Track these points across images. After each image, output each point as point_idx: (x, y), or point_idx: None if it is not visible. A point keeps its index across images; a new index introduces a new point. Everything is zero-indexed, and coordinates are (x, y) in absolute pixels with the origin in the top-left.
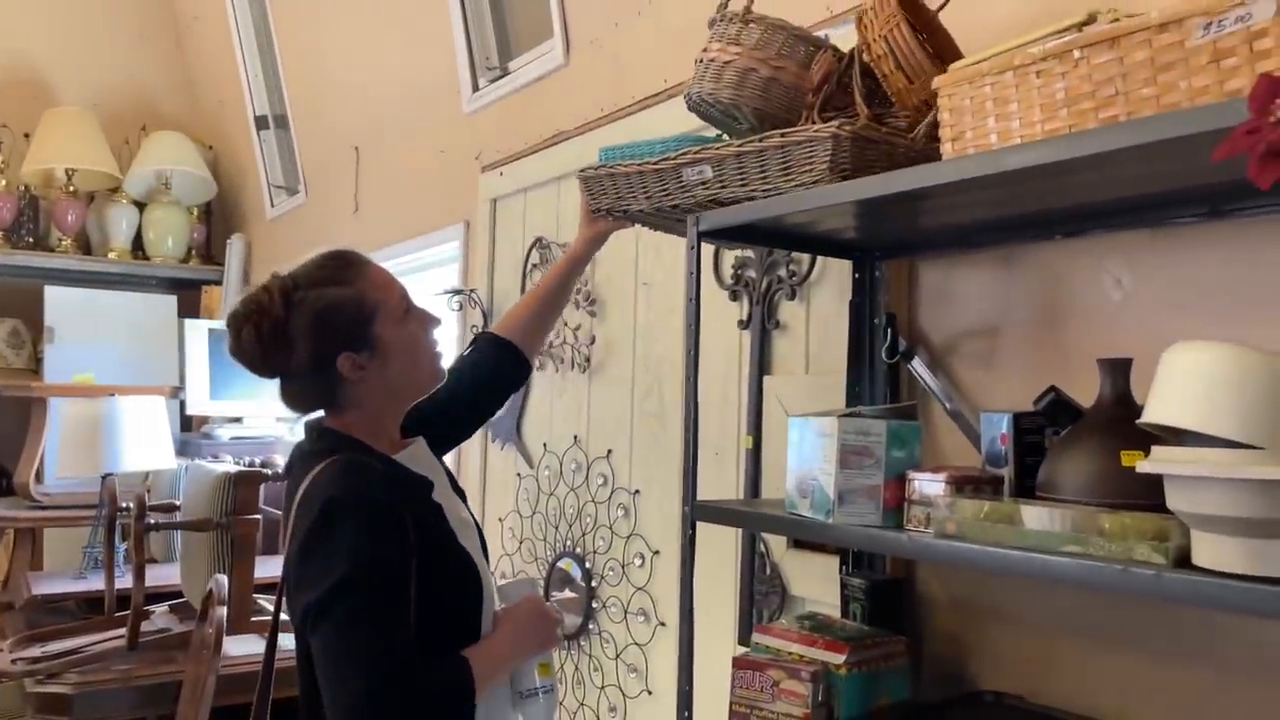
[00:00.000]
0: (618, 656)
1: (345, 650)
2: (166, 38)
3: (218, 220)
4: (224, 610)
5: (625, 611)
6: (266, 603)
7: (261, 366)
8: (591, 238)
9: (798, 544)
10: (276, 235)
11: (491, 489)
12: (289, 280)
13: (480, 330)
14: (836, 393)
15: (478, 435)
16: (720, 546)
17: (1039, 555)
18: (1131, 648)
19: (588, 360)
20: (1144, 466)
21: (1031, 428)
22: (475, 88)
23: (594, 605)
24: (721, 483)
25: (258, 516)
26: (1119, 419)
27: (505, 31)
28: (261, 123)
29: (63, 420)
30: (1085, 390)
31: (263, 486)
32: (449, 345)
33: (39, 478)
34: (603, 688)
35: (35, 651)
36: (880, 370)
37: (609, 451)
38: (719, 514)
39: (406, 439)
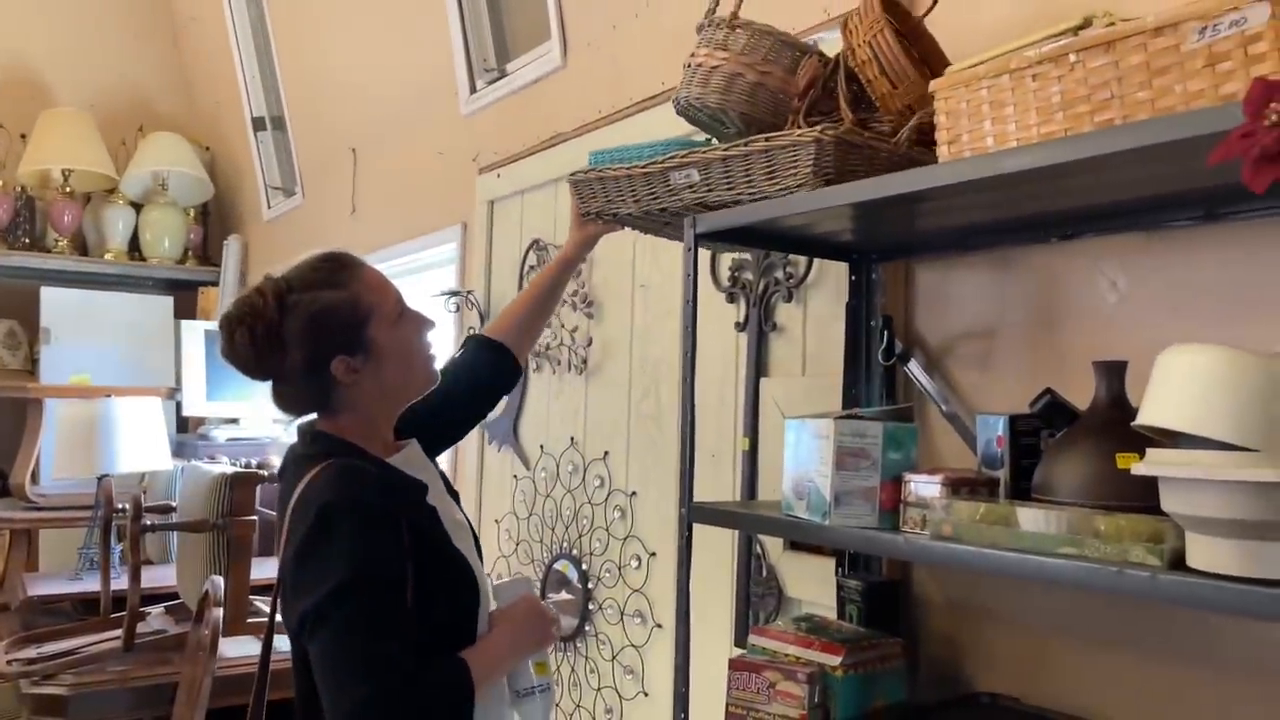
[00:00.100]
0: (614, 658)
1: (344, 656)
2: (163, 38)
3: (214, 221)
4: (220, 611)
5: (622, 613)
6: (263, 604)
7: (254, 369)
8: (582, 241)
9: (794, 546)
10: (273, 236)
11: (488, 490)
12: (282, 283)
13: (473, 332)
14: (833, 395)
15: (474, 437)
16: (717, 548)
17: (1034, 557)
18: (1127, 649)
19: (585, 362)
20: (1139, 469)
21: (1027, 430)
22: (473, 89)
23: (590, 607)
24: (718, 484)
25: (254, 518)
26: (1114, 421)
27: (503, 33)
28: (259, 124)
29: (59, 421)
30: (1081, 392)
31: (259, 488)
32: (445, 347)
33: (35, 479)
34: (599, 689)
35: (31, 653)
36: (877, 372)
37: (606, 453)
38: (716, 516)
39: (400, 441)
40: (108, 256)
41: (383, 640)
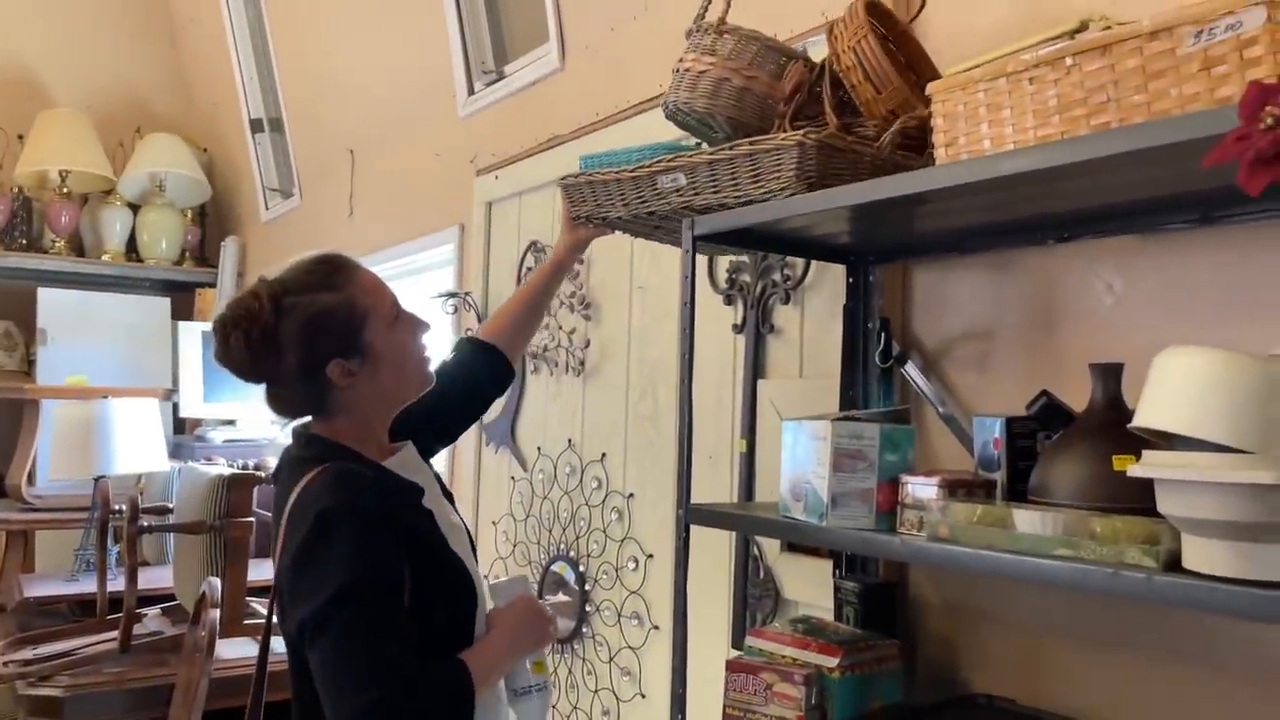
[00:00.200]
0: (611, 660)
1: (344, 662)
2: (161, 39)
3: (212, 223)
4: (217, 613)
5: (619, 615)
6: (260, 606)
7: (249, 373)
8: (573, 244)
9: (791, 547)
10: (271, 238)
11: (485, 492)
12: (278, 285)
13: (469, 333)
14: (830, 397)
15: (472, 438)
16: (714, 550)
17: (1031, 558)
18: (1123, 650)
19: (582, 364)
20: (1135, 470)
21: (1024, 432)
22: (471, 91)
23: (587, 609)
24: (715, 486)
25: (251, 519)
26: (1110, 423)
27: (501, 35)
28: (256, 125)
29: (55, 422)
30: (1077, 394)
31: (256, 489)
32: (440, 348)
33: (31, 480)
34: (596, 691)
35: (27, 654)
36: (874, 374)
37: (603, 455)
38: (713, 517)
39: (395, 444)
40: (105, 257)
41: (383, 644)
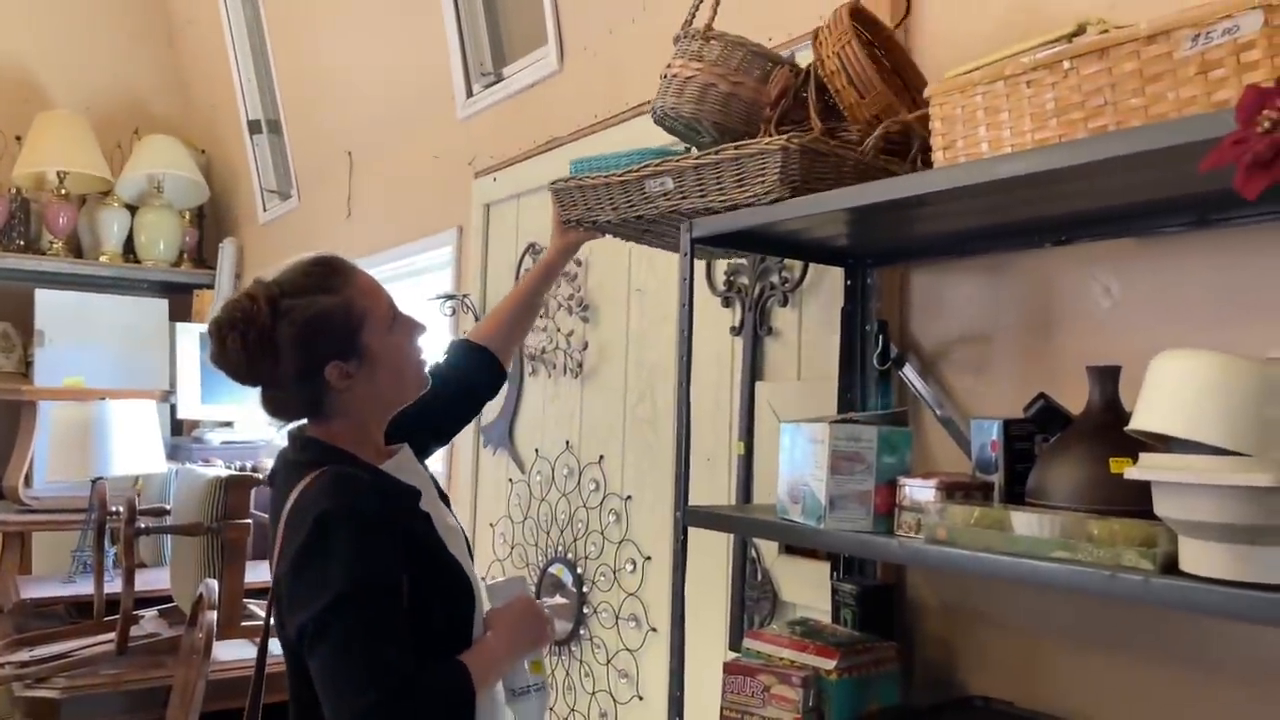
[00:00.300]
0: (609, 662)
1: (344, 666)
2: (159, 41)
3: (210, 224)
4: (214, 615)
5: (616, 617)
6: (257, 607)
7: (246, 375)
8: (563, 248)
9: (789, 549)
10: (269, 240)
11: (483, 494)
12: (274, 287)
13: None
14: (828, 399)
15: (469, 440)
16: (712, 552)
17: (1028, 561)
18: (1120, 652)
19: (580, 366)
20: (1132, 473)
21: (1021, 434)
22: (469, 93)
23: (585, 611)
24: (713, 488)
25: (248, 521)
26: (1108, 426)
27: (499, 37)
28: (254, 127)
29: (53, 424)
30: (1074, 397)
31: (253, 491)
32: (435, 350)
33: (28, 481)
34: (594, 693)
35: (23, 656)
36: (872, 377)
37: (601, 457)
38: (711, 519)
39: (391, 447)
40: (102, 259)
41: (383, 648)
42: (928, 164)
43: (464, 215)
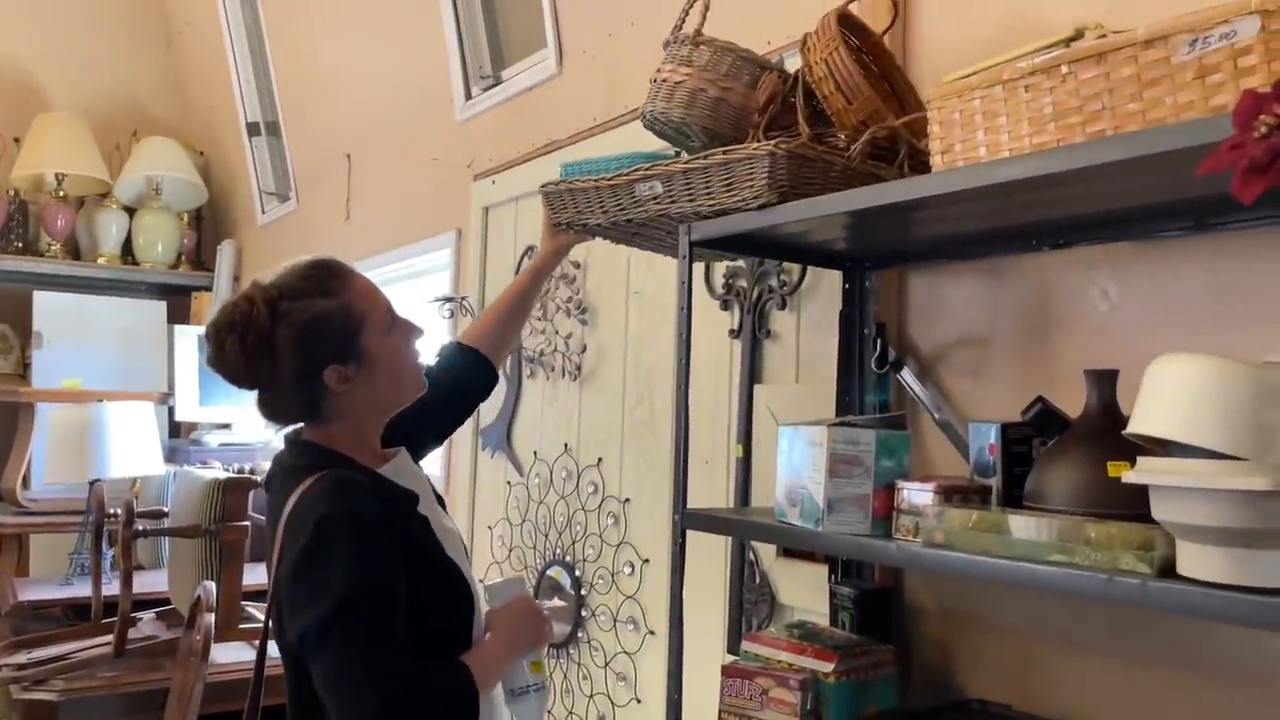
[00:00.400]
0: (607, 665)
1: (348, 671)
2: (158, 43)
3: (208, 226)
4: (211, 617)
5: (614, 620)
6: (255, 610)
7: (244, 378)
8: (554, 251)
9: (787, 552)
10: (267, 242)
11: (481, 497)
12: (273, 290)
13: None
14: (826, 402)
15: (468, 442)
16: (710, 555)
17: (1026, 564)
18: (1118, 656)
19: (578, 368)
20: (1130, 477)
21: (1019, 438)
22: (468, 96)
23: (583, 613)
24: (711, 491)
25: (246, 523)
26: (1105, 429)
27: (498, 40)
28: (253, 129)
29: (51, 426)
30: (1072, 401)
31: (251, 493)
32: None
33: (26, 483)
34: (591, 696)
35: (21, 658)
36: (870, 380)
37: (599, 460)
38: (709, 522)
39: (388, 450)
40: (101, 261)
41: (386, 652)
42: (915, 169)
43: (463, 218)
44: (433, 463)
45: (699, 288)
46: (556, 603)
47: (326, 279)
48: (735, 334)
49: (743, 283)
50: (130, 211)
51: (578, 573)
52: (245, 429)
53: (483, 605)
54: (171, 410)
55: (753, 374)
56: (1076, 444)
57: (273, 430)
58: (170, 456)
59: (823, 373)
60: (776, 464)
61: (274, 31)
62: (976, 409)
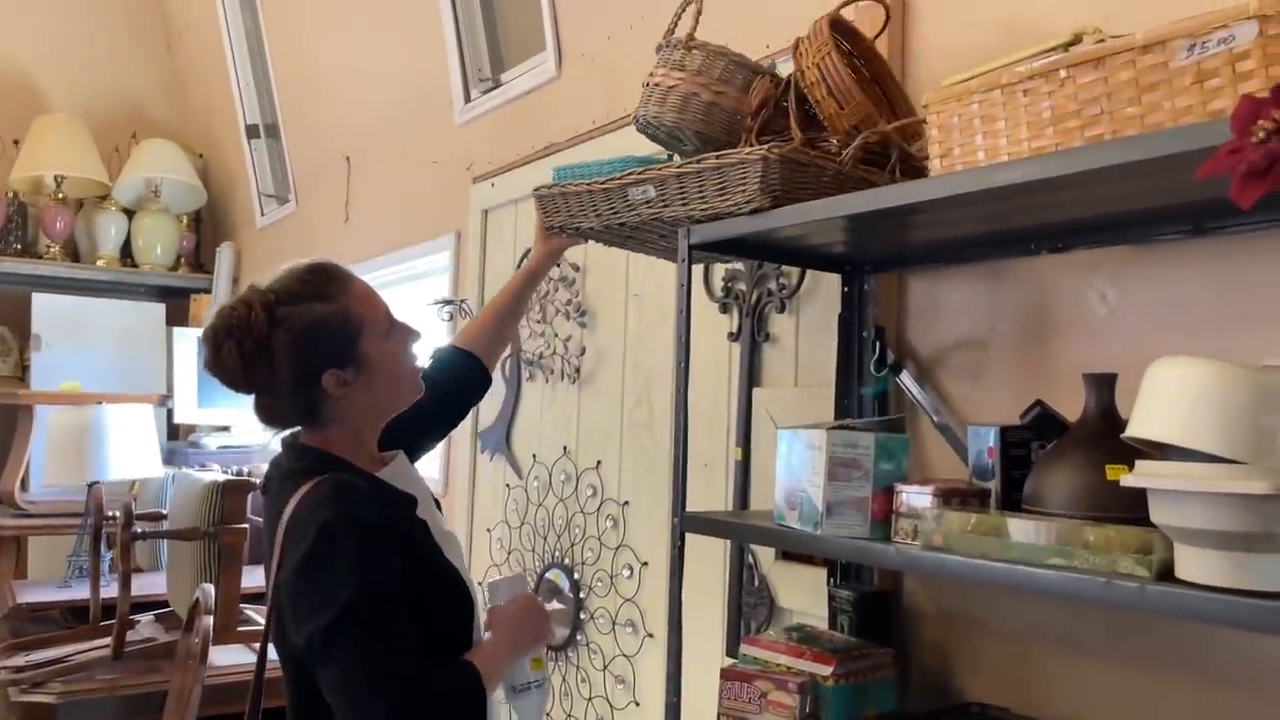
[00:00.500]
0: (605, 668)
1: (357, 676)
2: (157, 45)
3: (207, 228)
4: (210, 620)
5: (613, 623)
6: (253, 612)
7: (241, 383)
8: (546, 254)
9: (786, 555)
10: (266, 244)
11: (480, 499)
12: (270, 294)
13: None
14: (825, 405)
15: (467, 445)
16: (709, 558)
17: (1024, 567)
18: (1116, 659)
19: (577, 371)
20: (1128, 480)
21: (1018, 441)
22: (467, 99)
23: (582, 616)
24: (710, 494)
25: (245, 526)
26: (1104, 433)
27: (497, 43)
28: (252, 131)
29: (49, 428)
30: (1071, 404)
31: (250, 496)
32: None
33: (24, 485)
34: (590, 699)
35: (19, 660)
36: (869, 383)
37: (598, 462)
38: (708, 525)
39: (385, 454)
40: (100, 263)
41: (394, 656)
42: (906, 174)
43: (462, 220)
44: (432, 465)
45: (698, 291)
46: (555, 605)
47: (324, 283)
48: (734, 337)
49: (742, 286)
50: (129, 214)
51: (576, 575)
52: (244, 431)
53: (482, 607)
54: (170, 413)
55: (751, 377)
56: (1075, 447)
57: (270, 434)
58: (169, 459)
59: (821, 376)
60: (775, 467)
61: (273, 34)
62: (975, 412)
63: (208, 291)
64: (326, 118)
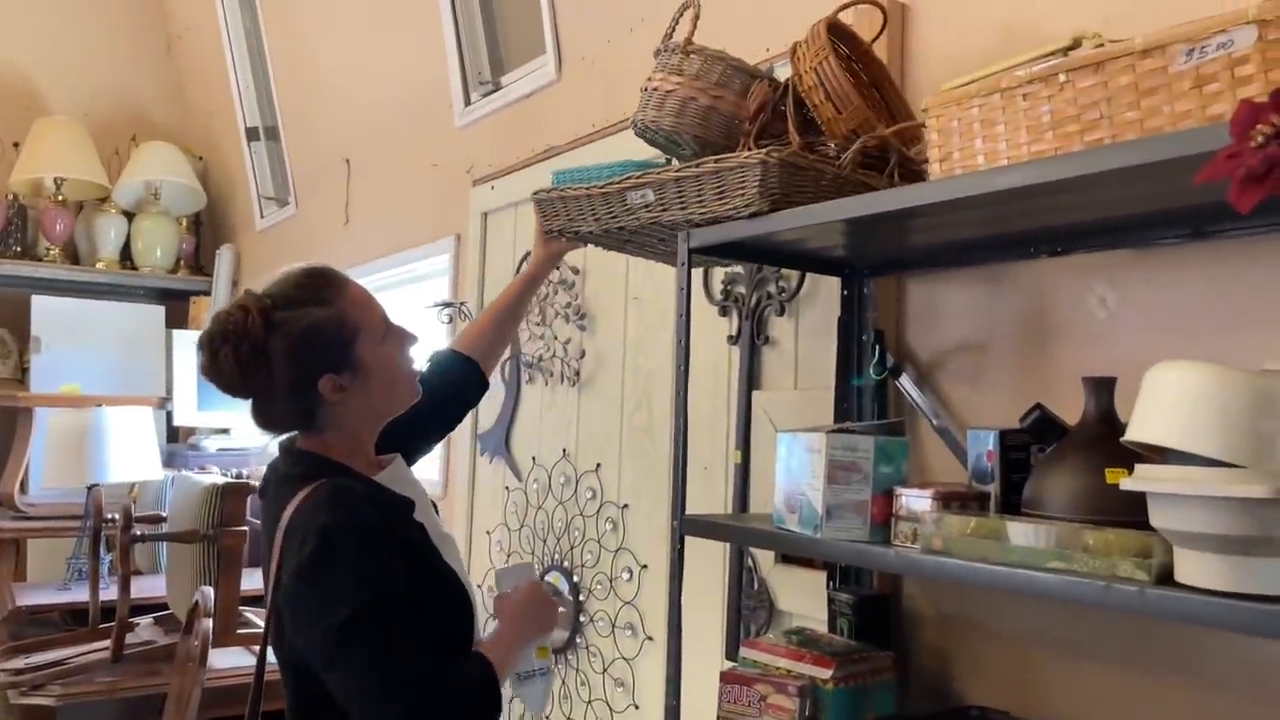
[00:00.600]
0: (605, 671)
1: (371, 677)
2: (157, 48)
3: (207, 231)
4: (209, 622)
5: (613, 626)
6: (253, 615)
7: (239, 388)
8: (546, 258)
9: (785, 559)
10: (266, 246)
11: (480, 502)
12: (266, 299)
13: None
14: (825, 408)
15: (466, 448)
16: (708, 561)
17: (1024, 571)
18: (1115, 662)
19: (577, 374)
20: (1127, 484)
21: (1017, 444)
22: (467, 102)
23: (581, 619)
24: (710, 497)
25: (244, 528)
26: (1103, 437)
27: (497, 46)
28: (252, 134)
29: (49, 430)
30: (1070, 408)
31: (249, 498)
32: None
33: (24, 488)
34: (589, 702)
35: (19, 663)
36: (869, 386)
37: (598, 465)
38: (707, 528)
39: (383, 457)
40: (99, 265)
41: (405, 655)
42: (904, 178)
43: (462, 223)
44: (431, 468)
45: (698, 294)
46: None
47: (321, 287)
48: (734, 340)
49: (741, 289)
50: (129, 216)
51: (576, 578)
52: (244, 434)
53: (482, 608)
54: (170, 415)
55: (751, 380)
56: (1074, 451)
57: (268, 437)
58: (168, 461)
59: (821, 379)
60: (775, 470)
61: (273, 36)
62: (975, 415)
63: (207, 294)
64: (326, 120)
